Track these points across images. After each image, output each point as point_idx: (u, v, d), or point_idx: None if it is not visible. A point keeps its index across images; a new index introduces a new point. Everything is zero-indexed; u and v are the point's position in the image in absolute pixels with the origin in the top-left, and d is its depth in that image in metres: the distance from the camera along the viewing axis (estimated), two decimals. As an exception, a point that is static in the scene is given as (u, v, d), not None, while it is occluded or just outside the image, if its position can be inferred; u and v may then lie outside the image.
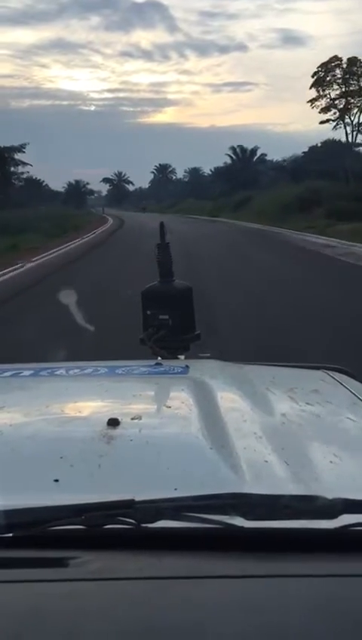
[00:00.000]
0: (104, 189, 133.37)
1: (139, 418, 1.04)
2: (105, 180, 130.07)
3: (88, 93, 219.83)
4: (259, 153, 68.23)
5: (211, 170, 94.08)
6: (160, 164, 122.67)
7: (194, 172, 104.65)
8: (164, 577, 0.69)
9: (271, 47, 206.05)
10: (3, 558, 0.71)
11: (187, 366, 1.42)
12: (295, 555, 0.72)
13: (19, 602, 0.65)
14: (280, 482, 0.88)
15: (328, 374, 1.43)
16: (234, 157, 68.39)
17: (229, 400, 1.17)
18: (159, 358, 1.64)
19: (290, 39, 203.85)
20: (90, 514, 0.74)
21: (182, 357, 1.74)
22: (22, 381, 1.36)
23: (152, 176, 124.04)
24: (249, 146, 68.76)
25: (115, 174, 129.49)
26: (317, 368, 1.49)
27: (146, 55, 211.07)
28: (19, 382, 1.36)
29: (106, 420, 1.00)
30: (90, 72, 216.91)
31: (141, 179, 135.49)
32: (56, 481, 0.86)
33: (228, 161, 68.64)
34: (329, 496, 0.77)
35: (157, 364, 1.48)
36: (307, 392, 1.27)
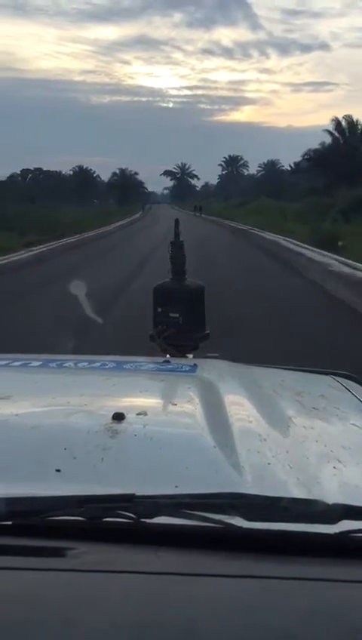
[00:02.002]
0: (170, 184, 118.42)
1: (145, 414, 1.04)
2: (167, 174, 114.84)
3: (167, 90, 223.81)
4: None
5: (292, 166, 76.71)
6: (229, 156, 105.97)
7: (271, 166, 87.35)
8: (161, 573, 0.69)
9: (355, 46, 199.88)
10: (2, 545, 0.72)
11: (195, 365, 1.43)
12: (293, 558, 0.72)
13: (17, 589, 0.66)
14: (282, 485, 0.88)
15: (336, 380, 1.42)
16: (337, 135, 41.26)
17: (235, 400, 1.16)
18: (168, 355, 1.65)
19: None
20: (90, 506, 0.75)
21: (191, 356, 1.72)
22: (30, 372, 1.37)
23: (220, 170, 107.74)
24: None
25: (178, 167, 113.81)
26: (326, 374, 1.49)
27: (227, 53, 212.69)
28: (27, 372, 1.37)
29: (112, 414, 1.00)
30: (169, 69, 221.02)
31: (209, 175, 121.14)
32: (58, 471, 0.87)
33: (327, 140, 42.49)
34: (331, 501, 0.77)
35: (165, 361, 1.49)
36: (314, 396, 1.26)
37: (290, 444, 1.00)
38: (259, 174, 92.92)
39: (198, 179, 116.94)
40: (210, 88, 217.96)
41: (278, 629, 0.61)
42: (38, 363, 1.41)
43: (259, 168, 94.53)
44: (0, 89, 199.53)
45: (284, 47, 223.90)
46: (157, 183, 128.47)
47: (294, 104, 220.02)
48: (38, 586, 0.67)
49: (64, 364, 1.40)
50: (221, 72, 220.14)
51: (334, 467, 0.94)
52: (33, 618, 0.61)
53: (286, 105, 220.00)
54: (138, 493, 0.76)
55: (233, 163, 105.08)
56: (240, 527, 0.73)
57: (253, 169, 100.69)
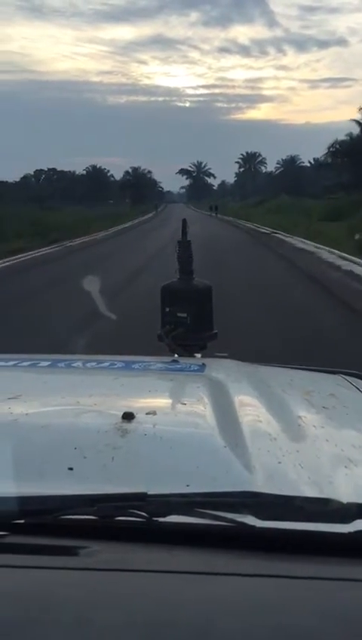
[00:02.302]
0: (187, 183, 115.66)
1: (154, 413, 1.04)
2: (183, 172, 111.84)
3: (184, 90, 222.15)
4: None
5: (311, 162, 73.74)
6: (247, 153, 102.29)
7: (290, 162, 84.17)
8: (174, 571, 0.69)
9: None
10: (15, 544, 0.72)
11: (203, 364, 1.42)
12: (306, 557, 0.72)
13: (29, 587, 0.66)
14: (293, 484, 0.87)
15: (345, 379, 1.42)
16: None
17: (245, 400, 1.16)
18: (176, 355, 1.64)
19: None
20: (102, 505, 0.75)
21: (199, 355, 1.71)
22: (39, 371, 1.37)
23: (237, 168, 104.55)
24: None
25: (194, 165, 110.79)
26: (334, 373, 1.48)
27: (244, 51, 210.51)
28: (36, 372, 1.37)
29: (121, 413, 1.00)
30: (186, 68, 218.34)
31: (226, 173, 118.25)
32: (71, 469, 0.87)
33: (355, 131, 40.43)
34: (343, 500, 0.76)
35: (173, 361, 1.48)
36: (324, 395, 1.25)
37: (301, 443, 0.99)
38: (278, 172, 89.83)
39: (215, 177, 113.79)
40: (227, 87, 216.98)
41: (292, 628, 0.61)
42: (46, 363, 1.41)
43: (278, 165, 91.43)
44: (17, 91, 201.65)
45: (301, 44, 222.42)
46: (173, 183, 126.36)
47: (312, 101, 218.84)
48: (50, 584, 0.66)
49: (73, 364, 1.40)
50: (238, 70, 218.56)
51: (345, 466, 0.94)
52: (46, 617, 0.61)
53: (303, 102, 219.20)
54: (149, 493, 0.76)
55: (251, 160, 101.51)
56: (253, 526, 0.73)
57: (270, 167, 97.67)
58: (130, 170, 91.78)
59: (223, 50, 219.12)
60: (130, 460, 0.90)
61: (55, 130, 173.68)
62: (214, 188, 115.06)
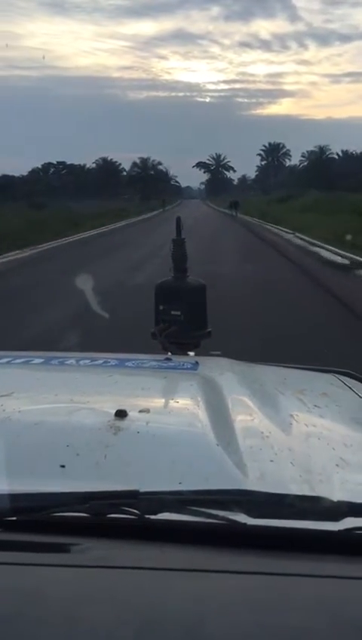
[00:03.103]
0: (205, 179, 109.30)
1: (147, 411, 1.04)
2: (200, 165, 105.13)
3: (204, 85, 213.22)
4: None
5: (339, 154, 66.93)
6: (269, 144, 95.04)
7: (318, 154, 77.13)
8: (165, 569, 0.70)
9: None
10: (6, 541, 0.72)
11: (197, 362, 1.42)
12: (296, 555, 0.72)
13: (21, 584, 0.67)
14: (285, 482, 0.88)
15: (337, 378, 1.42)
16: None
17: (238, 398, 1.16)
18: (169, 353, 1.63)
19: None
20: (94, 502, 0.75)
21: (192, 353, 1.71)
22: (32, 369, 1.37)
23: (259, 161, 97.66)
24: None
25: (212, 158, 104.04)
26: (327, 372, 1.49)
27: (265, 45, 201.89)
28: (29, 369, 1.37)
29: (114, 411, 1.00)
30: (207, 64, 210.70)
31: (246, 169, 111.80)
32: (63, 466, 0.87)
33: None
34: (334, 499, 0.77)
35: (167, 359, 1.48)
36: (316, 394, 1.26)
37: (293, 441, 1.00)
38: (302, 165, 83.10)
39: (234, 171, 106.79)
40: (248, 82, 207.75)
41: (282, 625, 0.61)
42: (40, 360, 1.40)
43: (302, 158, 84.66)
44: (39, 86, 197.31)
45: (323, 38, 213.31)
46: (193, 178, 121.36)
47: (333, 96, 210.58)
48: (43, 581, 0.67)
49: (66, 362, 1.40)
50: (258, 65, 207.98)
51: (337, 465, 0.94)
52: (38, 614, 0.61)
53: (325, 97, 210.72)
54: (141, 490, 0.76)
55: (274, 152, 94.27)
56: (244, 524, 0.74)
57: (294, 160, 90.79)
58: (137, 162, 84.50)
59: (244, 44, 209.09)
60: (123, 458, 0.90)
61: (75, 126, 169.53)
62: (234, 183, 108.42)
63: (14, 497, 0.75)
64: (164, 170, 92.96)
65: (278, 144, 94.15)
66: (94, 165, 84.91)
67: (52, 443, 0.92)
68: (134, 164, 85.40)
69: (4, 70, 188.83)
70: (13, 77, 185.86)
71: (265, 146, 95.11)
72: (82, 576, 0.67)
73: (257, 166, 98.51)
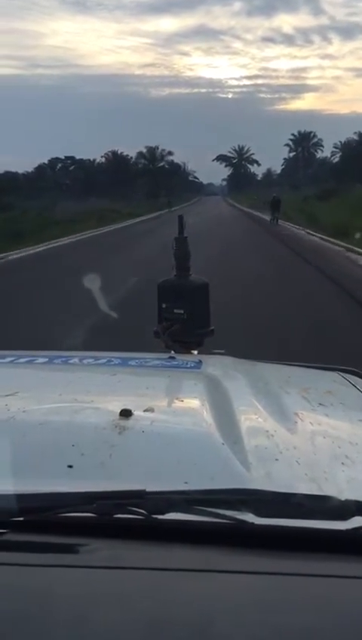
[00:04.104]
0: (225, 174, 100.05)
1: (152, 410, 1.04)
2: (221, 159, 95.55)
3: (226, 81, 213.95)
4: None
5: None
6: (299, 132, 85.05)
7: (358, 143, 67.10)
8: (173, 569, 0.70)
9: None
10: (14, 541, 0.72)
11: (200, 361, 1.41)
12: (304, 554, 0.72)
13: (28, 585, 0.66)
14: (290, 481, 0.88)
15: (342, 376, 1.41)
16: None
17: (242, 397, 1.16)
18: (172, 352, 1.62)
19: None
20: (101, 502, 0.75)
21: (196, 352, 1.71)
22: (36, 368, 1.36)
23: (287, 153, 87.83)
24: None
25: (235, 150, 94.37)
26: (332, 370, 1.47)
27: (288, 40, 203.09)
28: (33, 369, 1.36)
29: (118, 410, 1.00)
30: (229, 59, 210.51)
31: (270, 163, 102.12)
32: (70, 466, 0.87)
33: None
34: (341, 497, 0.77)
35: (170, 357, 1.47)
36: (321, 392, 1.25)
37: (298, 440, 0.99)
38: (334, 157, 73.35)
39: (259, 164, 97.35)
40: (271, 77, 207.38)
41: (291, 625, 0.61)
42: (43, 360, 1.40)
43: (335, 149, 74.84)
44: (62, 85, 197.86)
45: (347, 31, 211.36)
46: (215, 175, 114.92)
47: (358, 90, 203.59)
48: (50, 582, 0.67)
49: (69, 361, 1.39)
50: (281, 60, 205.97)
51: (342, 463, 0.94)
52: (46, 614, 0.61)
53: (349, 91, 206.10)
54: (147, 490, 0.76)
55: (303, 142, 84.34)
56: (252, 524, 0.73)
57: (324, 153, 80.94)
58: (144, 151, 74.08)
59: (267, 39, 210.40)
60: (128, 457, 0.90)
61: (96, 124, 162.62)
62: (258, 178, 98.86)
63: (21, 498, 0.75)
64: (181, 165, 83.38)
65: (309, 133, 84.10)
66: (103, 159, 75.69)
67: (57, 443, 0.92)
68: (140, 154, 74.49)
69: (26, 69, 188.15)
70: (35, 76, 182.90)
71: (294, 134, 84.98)
72: (90, 577, 0.67)
73: (284, 158, 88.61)
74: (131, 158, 72.63)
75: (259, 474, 0.87)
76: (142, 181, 66.00)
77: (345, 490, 0.83)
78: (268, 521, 0.73)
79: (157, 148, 70.14)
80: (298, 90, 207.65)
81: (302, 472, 0.89)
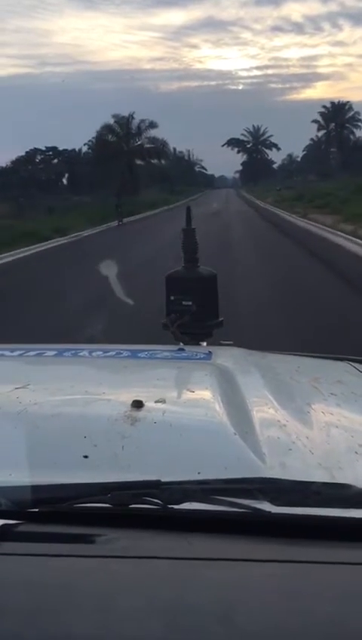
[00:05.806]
0: (239, 167, 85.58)
1: (163, 401, 1.04)
2: (232, 143, 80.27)
3: (236, 72, 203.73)
4: None
5: None
6: (332, 104, 66.74)
7: None
8: (191, 558, 0.70)
9: None
10: (30, 532, 0.73)
11: (210, 352, 1.42)
12: (323, 543, 0.72)
13: (45, 576, 0.67)
14: (304, 470, 0.88)
15: (352, 365, 1.42)
16: None
17: (253, 387, 1.16)
18: (181, 343, 1.62)
19: None
20: (116, 492, 0.75)
21: (205, 344, 1.71)
22: (46, 361, 1.37)
23: (316, 130, 72.20)
24: None
25: (249, 132, 79.02)
26: (341, 359, 1.48)
27: (297, 28, 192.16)
28: (43, 362, 1.37)
29: (130, 401, 1.00)
30: (238, 50, 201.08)
31: (286, 152, 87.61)
32: (86, 457, 0.87)
33: None
34: (358, 486, 0.77)
35: (180, 349, 1.48)
36: (331, 382, 1.25)
37: (310, 429, 0.99)
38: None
39: (278, 149, 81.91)
40: (281, 67, 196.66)
41: (310, 613, 0.61)
42: (52, 352, 1.40)
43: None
44: (71, 82, 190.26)
45: (358, 17, 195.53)
46: (228, 168, 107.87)
47: None
48: (66, 572, 0.67)
49: (79, 354, 1.40)
50: (291, 49, 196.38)
51: (356, 452, 0.94)
52: (65, 605, 0.61)
53: (361, 78, 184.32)
54: (162, 480, 0.76)
55: (336, 116, 67.73)
56: (269, 512, 0.73)
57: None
58: (111, 123, 46.17)
59: (276, 28, 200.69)
60: (141, 448, 0.90)
61: (102, 120, 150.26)
62: (275, 166, 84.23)
63: (36, 489, 0.75)
64: (185, 153, 68.45)
65: (344, 104, 67.03)
66: (87, 149, 60.40)
67: (70, 434, 0.92)
68: (106, 127, 47.40)
69: (35, 68, 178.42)
70: (44, 74, 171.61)
71: (325, 107, 68.03)
72: (108, 567, 0.67)
73: (311, 139, 72.55)
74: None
75: (273, 464, 0.87)
76: (103, 169, 43.44)
77: (360, 479, 0.82)
78: (285, 510, 0.73)
79: (132, 117, 47.31)
80: (309, 79, 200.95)
81: (315, 461, 0.90)
